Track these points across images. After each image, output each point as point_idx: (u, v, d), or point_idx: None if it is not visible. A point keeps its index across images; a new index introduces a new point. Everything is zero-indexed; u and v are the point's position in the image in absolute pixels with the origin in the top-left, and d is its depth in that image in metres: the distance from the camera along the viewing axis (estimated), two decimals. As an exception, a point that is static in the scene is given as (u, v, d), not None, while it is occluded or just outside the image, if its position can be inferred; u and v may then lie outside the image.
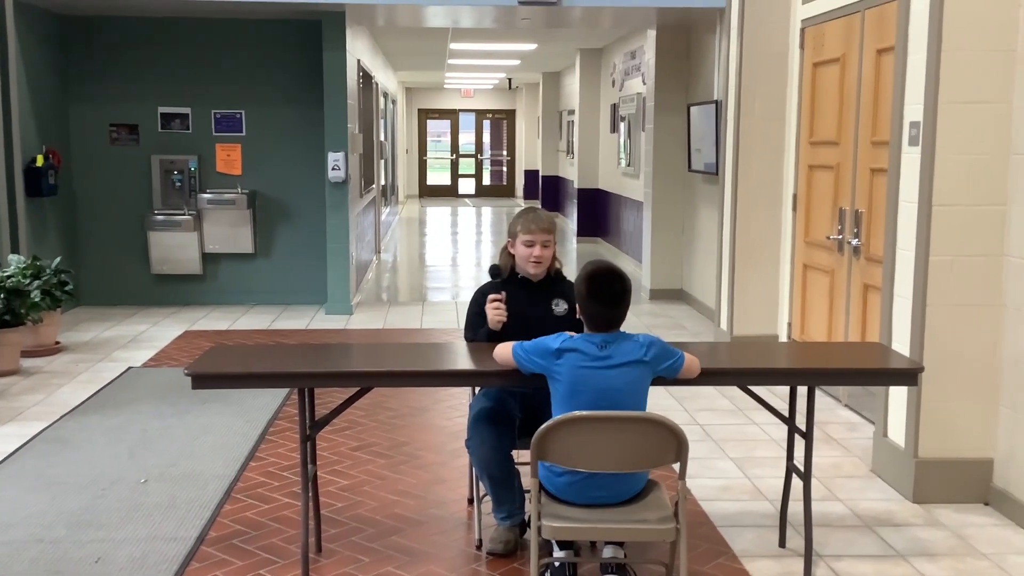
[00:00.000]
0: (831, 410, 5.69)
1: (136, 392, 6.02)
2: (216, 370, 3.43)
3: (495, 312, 3.63)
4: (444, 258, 13.61)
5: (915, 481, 4.29)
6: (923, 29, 4.23)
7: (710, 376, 3.33)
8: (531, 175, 22.84)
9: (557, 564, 3.44)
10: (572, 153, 16.17)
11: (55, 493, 4.31)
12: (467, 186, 25.94)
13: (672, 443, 2.95)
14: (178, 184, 8.96)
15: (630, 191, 11.96)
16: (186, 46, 8.89)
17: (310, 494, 3.55)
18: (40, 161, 7.94)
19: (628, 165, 11.97)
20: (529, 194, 22.86)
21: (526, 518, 3.65)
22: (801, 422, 3.59)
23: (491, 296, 3.66)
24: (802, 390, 3.66)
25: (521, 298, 3.73)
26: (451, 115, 25.59)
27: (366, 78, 11.07)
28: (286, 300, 9.22)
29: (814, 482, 4.01)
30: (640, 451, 2.98)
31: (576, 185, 15.08)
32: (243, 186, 9.01)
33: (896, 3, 4.56)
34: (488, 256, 13.64)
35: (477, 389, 3.93)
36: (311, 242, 9.09)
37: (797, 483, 3.64)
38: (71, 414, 5.55)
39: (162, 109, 8.94)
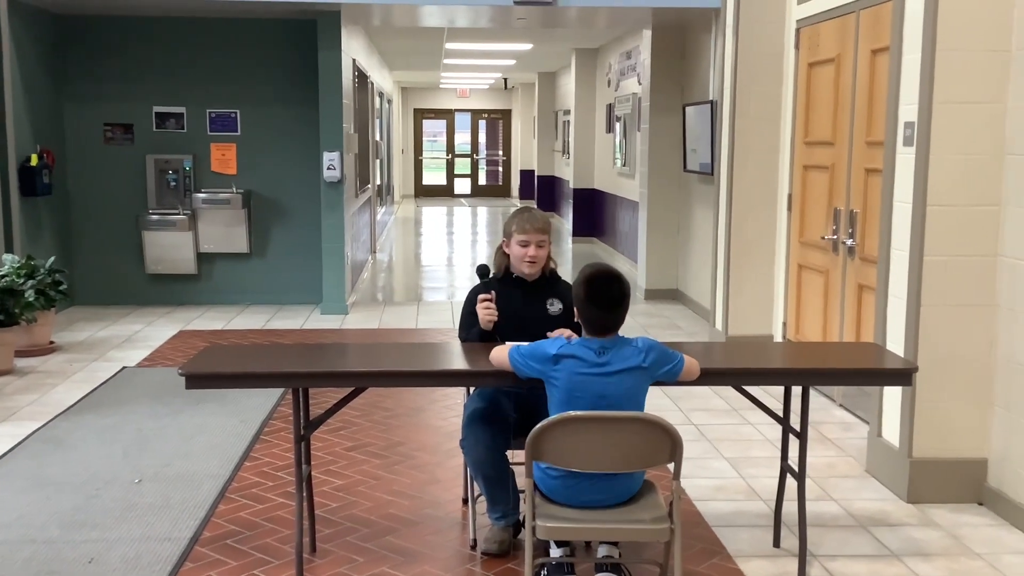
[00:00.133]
0: (826, 410, 5.69)
1: (130, 392, 6.00)
2: (210, 370, 3.43)
3: (485, 312, 3.63)
4: (440, 258, 13.61)
5: (909, 481, 4.30)
6: (918, 29, 4.24)
7: (705, 376, 3.33)
8: (527, 175, 22.84)
9: (555, 562, 3.44)
10: (568, 153, 16.17)
11: (49, 493, 4.30)
12: (463, 186, 25.94)
13: (666, 443, 2.95)
14: (173, 184, 8.94)
15: (626, 191, 11.96)
16: (181, 45, 8.87)
17: (304, 494, 3.55)
18: (34, 160, 7.92)
19: (624, 165, 11.97)
20: (525, 194, 22.86)
21: (521, 518, 3.64)
22: (796, 422, 3.59)
23: (481, 296, 3.66)
24: (797, 390, 3.66)
25: (516, 298, 3.73)
26: (447, 115, 25.58)
27: (361, 78, 11.06)
28: (281, 300, 9.21)
29: (808, 482, 4.01)
30: (634, 451, 2.97)
31: (572, 185, 15.08)
32: (238, 186, 9.00)
33: (891, 3, 4.57)
34: (484, 256, 13.63)
35: (472, 389, 3.93)
36: (306, 242, 9.07)
37: (791, 483, 3.64)
38: (65, 414, 5.54)
39: (157, 108, 8.93)
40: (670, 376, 3.20)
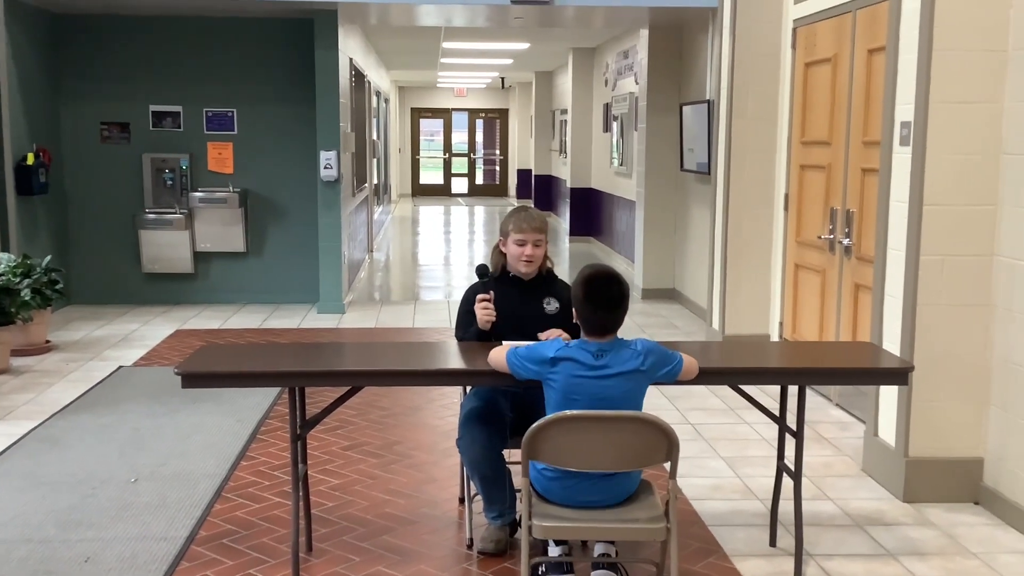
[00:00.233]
0: (822, 409, 5.70)
1: (127, 391, 6.00)
2: (207, 369, 3.42)
3: (484, 312, 3.63)
4: (437, 257, 13.60)
5: (905, 480, 4.30)
6: (914, 29, 4.24)
7: (702, 375, 3.32)
8: (524, 174, 22.84)
9: (553, 561, 3.44)
10: (565, 152, 16.17)
11: (45, 492, 4.30)
12: (460, 185, 25.93)
13: (663, 442, 2.95)
14: (169, 182, 8.93)
15: (623, 190, 11.97)
16: (178, 44, 8.86)
17: (300, 493, 3.55)
18: (31, 159, 7.91)
19: (621, 164, 11.98)
20: (522, 193, 22.86)
21: (517, 517, 3.64)
22: (792, 421, 3.59)
23: (479, 296, 3.66)
24: (793, 389, 3.66)
25: (513, 297, 3.73)
26: (444, 114, 25.58)
27: (358, 77, 11.06)
28: (278, 299, 9.20)
29: (805, 481, 4.01)
30: (631, 450, 2.97)
31: (569, 184, 15.09)
32: (235, 185, 8.99)
33: (887, 3, 4.57)
34: (481, 255, 13.64)
35: (468, 388, 3.93)
36: (303, 241, 9.07)
37: (788, 482, 3.64)
38: (61, 413, 5.53)
39: (153, 107, 8.92)
40: (669, 377, 3.19)
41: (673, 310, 9.15)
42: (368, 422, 5.40)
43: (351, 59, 9.94)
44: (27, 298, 6.62)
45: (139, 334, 7.75)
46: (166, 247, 8.98)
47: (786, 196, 6.56)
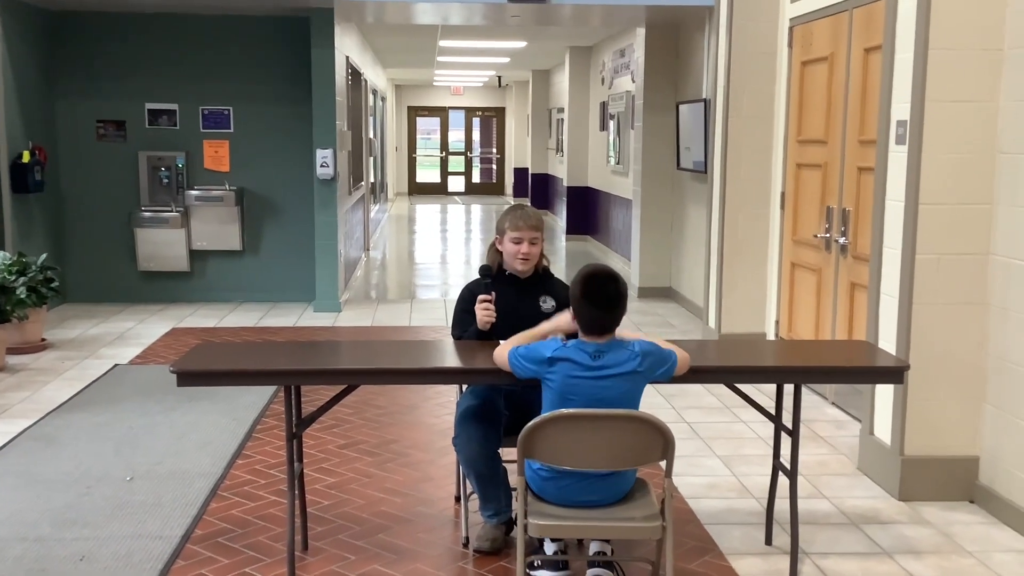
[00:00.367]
0: (818, 408, 5.70)
1: (122, 389, 5.99)
2: (203, 367, 3.42)
3: (484, 313, 3.63)
4: (433, 256, 13.60)
5: (901, 479, 4.31)
6: (910, 28, 4.25)
7: (698, 374, 3.33)
8: (520, 173, 22.84)
9: (549, 559, 3.44)
10: (561, 151, 16.17)
11: (40, 491, 4.29)
12: (457, 184, 25.92)
13: (659, 441, 2.95)
14: (165, 181, 8.92)
15: (619, 189, 11.97)
16: (174, 42, 8.85)
17: (296, 492, 3.54)
18: (26, 157, 7.90)
19: (617, 163, 11.98)
20: (519, 192, 22.85)
21: (513, 516, 3.64)
22: (788, 420, 3.60)
23: (481, 297, 3.65)
24: (789, 388, 3.67)
25: (509, 295, 3.73)
26: (441, 112, 25.56)
27: (355, 75, 11.04)
28: (274, 297, 9.19)
29: (800, 480, 4.02)
30: (626, 449, 2.97)
31: (565, 183, 15.09)
32: (231, 183, 8.98)
33: (884, 2, 4.57)
34: (477, 254, 13.63)
35: (464, 387, 3.93)
36: (299, 239, 9.06)
37: (784, 481, 3.64)
38: (56, 411, 5.52)
39: (149, 105, 8.90)
40: (665, 376, 3.19)
41: (669, 308, 9.15)
42: (364, 420, 5.40)
43: (347, 57, 9.93)
44: (23, 296, 6.61)
45: (135, 332, 7.74)
46: (162, 245, 8.96)
47: (782, 195, 6.56)
